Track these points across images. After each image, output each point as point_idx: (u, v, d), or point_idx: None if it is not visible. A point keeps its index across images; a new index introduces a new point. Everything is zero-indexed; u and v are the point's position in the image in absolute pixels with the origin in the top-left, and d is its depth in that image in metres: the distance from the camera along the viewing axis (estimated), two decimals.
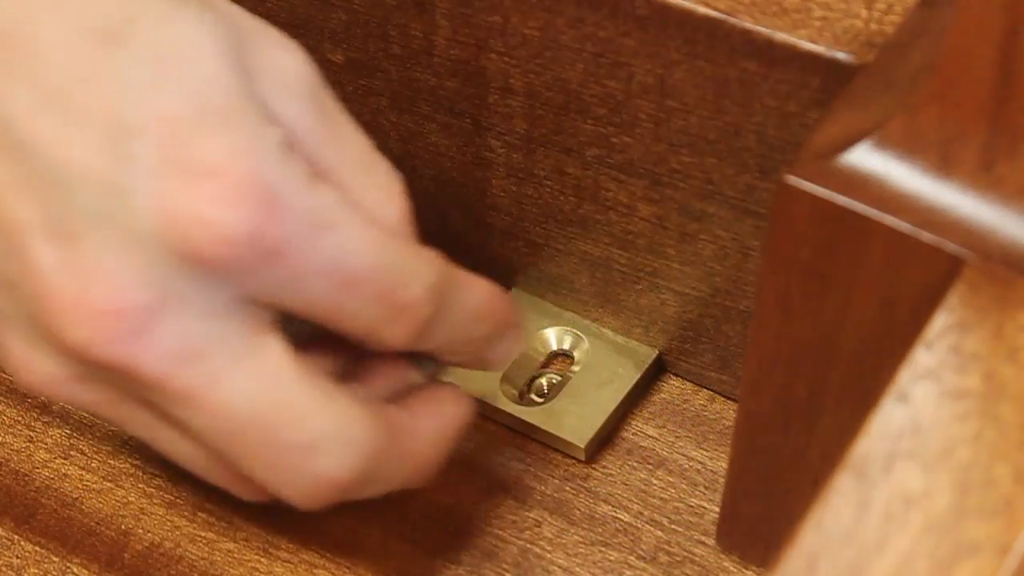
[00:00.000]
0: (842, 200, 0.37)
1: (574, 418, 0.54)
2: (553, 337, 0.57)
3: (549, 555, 0.52)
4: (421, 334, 0.44)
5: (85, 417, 0.56)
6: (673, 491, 0.53)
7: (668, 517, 0.52)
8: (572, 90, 0.49)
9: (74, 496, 0.54)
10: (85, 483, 0.54)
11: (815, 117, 0.44)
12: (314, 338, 0.45)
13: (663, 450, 0.54)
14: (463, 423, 0.47)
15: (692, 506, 0.52)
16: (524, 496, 0.53)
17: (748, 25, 0.43)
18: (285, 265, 0.40)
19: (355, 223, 0.41)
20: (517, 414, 0.54)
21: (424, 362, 0.48)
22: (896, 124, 0.37)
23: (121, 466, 0.54)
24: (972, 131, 0.36)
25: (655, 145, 0.48)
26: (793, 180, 0.37)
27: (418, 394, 0.47)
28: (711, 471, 0.53)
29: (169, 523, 0.53)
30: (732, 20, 0.43)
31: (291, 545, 0.52)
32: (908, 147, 0.37)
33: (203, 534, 0.52)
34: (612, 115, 0.49)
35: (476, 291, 0.46)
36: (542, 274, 0.56)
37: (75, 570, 0.52)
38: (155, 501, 0.53)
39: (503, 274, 0.57)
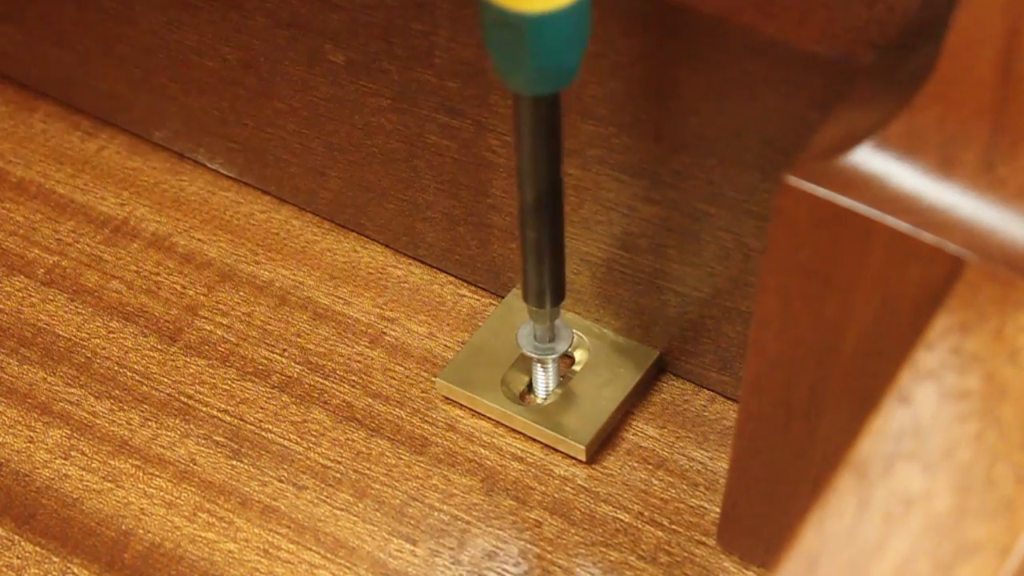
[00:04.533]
0: (843, 201, 0.37)
1: (574, 418, 0.54)
2: None
3: (549, 555, 0.51)
4: None
5: (85, 417, 0.56)
6: (673, 491, 0.53)
7: (668, 517, 0.52)
8: (573, 91, 0.48)
9: (74, 496, 0.54)
10: (85, 483, 0.54)
11: (816, 118, 0.44)
12: None
13: (663, 450, 0.54)
14: None
15: (692, 506, 0.52)
16: (524, 496, 0.53)
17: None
18: None
19: None
20: (517, 414, 0.54)
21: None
22: (897, 125, 0.37)
23: (121, 466, 0.54)
24: (973, 132, 0.36)
25: (656, 146, 0.48)
26: (794, 181, 0.37)
27: None
28: (711, 471, 0.53)
29: (169, 523, 0.53)
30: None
31: (291, 546, 0.52)
32: (909, 148, 0.37)
33: (203, 535, 0.52)
34: (613, 115, 0.48)
35: None
36: None
37: (75, 570, 0.52)
38: (155, 501, 0.53)
39: (503, 274, 0.57)
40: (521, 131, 0.45)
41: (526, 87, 0.43)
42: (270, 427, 0.55)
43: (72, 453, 0.55)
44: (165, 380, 0.57)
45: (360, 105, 0.55)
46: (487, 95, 0.51)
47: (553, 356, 0.54)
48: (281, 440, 0.55)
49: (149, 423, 0.55)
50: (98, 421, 0.56)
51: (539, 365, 0.54)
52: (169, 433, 0.55)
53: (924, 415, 0.33)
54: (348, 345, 0.57)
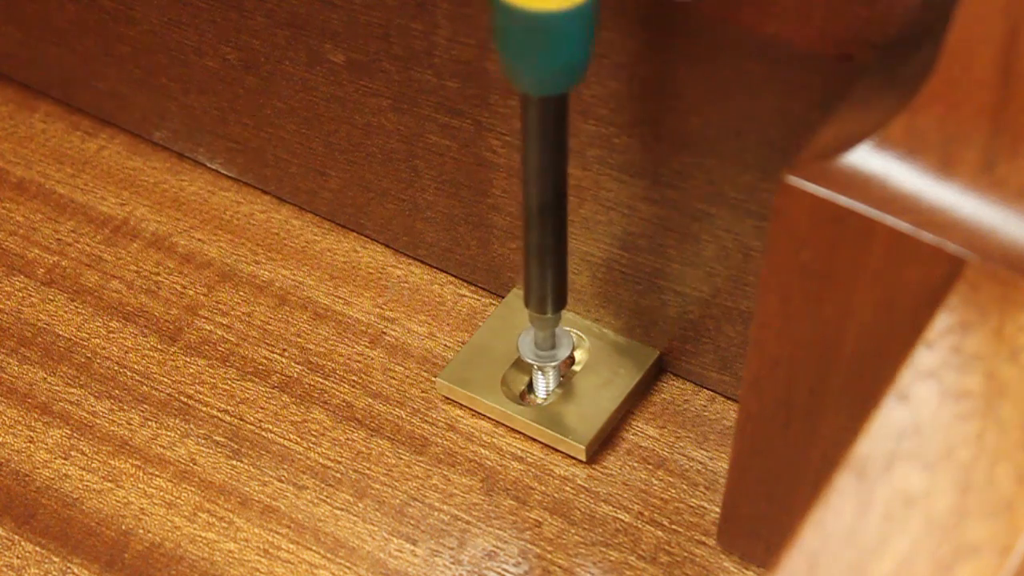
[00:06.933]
0: (843, 200, 0.37)
1: (575, 418, 0.54)
2: None
3: (549, 555, 0.51)
4: None
5: (85, 417, 0.56)
6: (673, 491, 0.53)
7: (668, 517, 0.52)
8: (572, 90, 0.48)
9: (74, 496, 0.54)
10: (85, 483, 0.54)
11: (816, 117, 0.44)
12: None
13: (663, 450, 0.54)
14: None
15: (692, 506, 0.52)
16: (524, 496, 0.53)
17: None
18: None
19: None
20: (518, 414, 0.54)
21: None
22: (897, 124, 0.37)
23: (121, 466, 0.54)
24: (973, 132, 0.36)
25: (656, 145, 0.48)
26: (794, 180, 0.37)
27: None
28: (711, 471, 0.53)
29: (169, 523, 0.53)
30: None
31: (291, 546, 0.52)
32: (909, 148, 0.37)
33: (203, 534, 0.52)
34: (613, 115, 0.48)
35: None
36: None
37: (75, 570, 0.52)
38: (155, 501, 0.53)
39: (503, 274, 0.57)
40: (528, 134, 0.45)
41: (543, 86, 0.43)
42: (270, 427, 0.55)
43: (72, 453, 0.55)
44: (165, 380, 0.57)
45: (360, 105, 0.55)
46: (487, 95, 0.51)
47: (554, 363, 0.54)
48: (281, 440, 0.55)
49: (149, 423, 0.55)
50: (98, 421, 0.56)
51: (539, 370, 0.54)
52: (169, 433, 0.55)
53: (924, 415, 0.33)
54: (348, 345, 0.57)
